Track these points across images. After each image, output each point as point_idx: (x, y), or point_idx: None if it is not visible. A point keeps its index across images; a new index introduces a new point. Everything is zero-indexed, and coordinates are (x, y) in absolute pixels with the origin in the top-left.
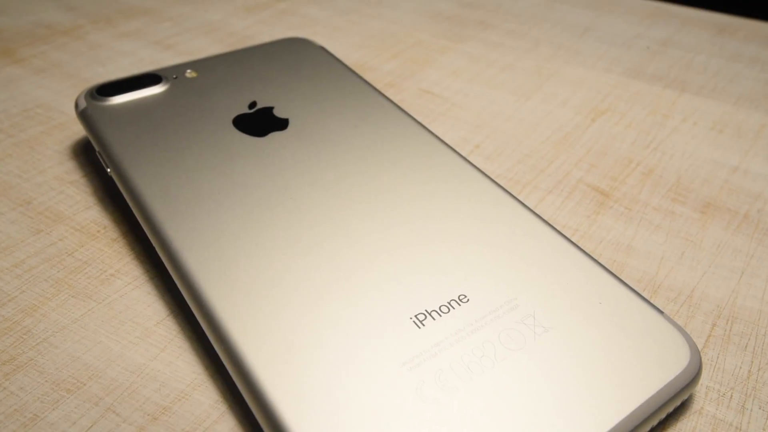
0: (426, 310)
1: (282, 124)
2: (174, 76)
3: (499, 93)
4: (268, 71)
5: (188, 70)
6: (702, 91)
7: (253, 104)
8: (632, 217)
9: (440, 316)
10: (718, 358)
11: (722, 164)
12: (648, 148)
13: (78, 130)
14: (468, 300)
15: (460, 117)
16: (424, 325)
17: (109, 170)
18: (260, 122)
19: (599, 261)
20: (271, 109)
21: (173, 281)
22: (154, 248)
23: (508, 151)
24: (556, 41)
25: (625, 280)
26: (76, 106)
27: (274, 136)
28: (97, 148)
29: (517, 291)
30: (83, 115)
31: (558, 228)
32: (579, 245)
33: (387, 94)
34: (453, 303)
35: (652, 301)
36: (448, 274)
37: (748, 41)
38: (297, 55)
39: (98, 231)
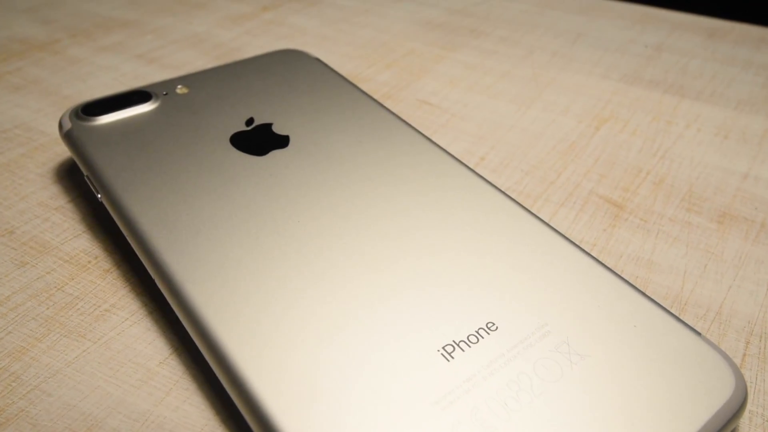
0: (454, 341)
1: (282, 142)
2: (164, 93)
3: (498, 102)
4: (264, 85)
5: (179, 86)
6: (701, 96)
7: (250, 121)
8: (649, 229)
9: (469, 347)
10: (756, 378)
11: (732, 171)
12: (655, 156)
13: (61, 152)
14: (497, 328)
15: (462, 128)
16: (453, 357)
17: (99, 196)
18: (259, 140)
19: (626, 279)
20: (269, 125)
21: (175, 315)
22: (152, 279)
23: (515, 163)
24: (550, 48)
25: (655, 299)
26: (60, 126)
27: (275, 155)
28: (85, 172)
29: (546, 316)
30: (69, 137)
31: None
32: (604, 263)
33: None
34: (481, 332)
35: (685, 321)
36: (473, 299)
37: (739, 45)
38: (292, 67)
39: (89, 262)
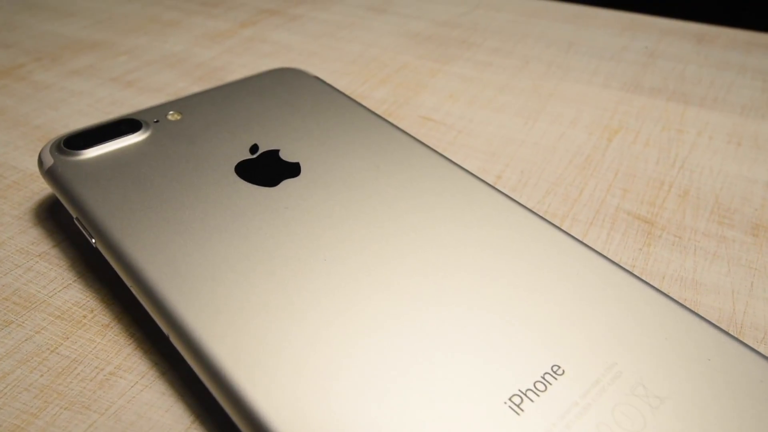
0: (520, 391)
1: (293, 170)
2: (155, 120)
3: (503, 116)
4: (264, 108)
5: (170, 112)
6: (705, 102)
7: (254, 148)
8: (685, 246)
9: (538, 396)
10: None
11: (754, 180)
12: (674, 167)
13: (39, 189)
14: (563, 372)
15: (471, 145)
16: (522, 410)
17: (93, 241)
18: (267, 168)
19: (686, 305)
20: (276, 152)
21: (194, 375)
22: (162, 334)
23: (533, 181)
24: (545, 58)
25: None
26: (41, 162)
27: (288, 185)
28: (74, 215)
29: (614, 354)
30: (52, 174)
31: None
32: (659, 288)
33: None
34: (548, 377)
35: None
36: (533, 340)
37: (729, 49)
38: (291, 87)
39: (84, 316)
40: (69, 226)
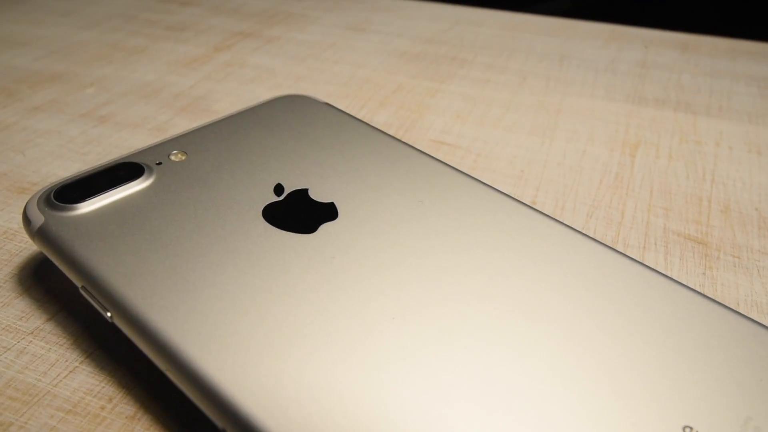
0: None
1: (328, 212)
2: (157, 162)
3: (518, 135)
4: (277, 141)
5: (173, 152)
6: (711, 111)
7: (279, 188)
8: (747, 267)
9: None
10: None
11: None
12: (705, 181)
13: (16, 250)
14: None
15: (495, 169)
16: None
17: (109, 315)
18: (299, 211)
19: None
20: (305, 191)
21: None
22: (215, 427)
23: (570, 204)
24: (541, 72)
25: None
26: (27, 220)
27: (327, 230)
28: (79, 283)
29: (744, 405)
30: (45, 235)
31: None
32: (756, 320)
33: None
34: None
35: None
36: (655, 400)
37: (715, 57)
38: (302, 115)
39: (102, 407)
40: (64, 292)
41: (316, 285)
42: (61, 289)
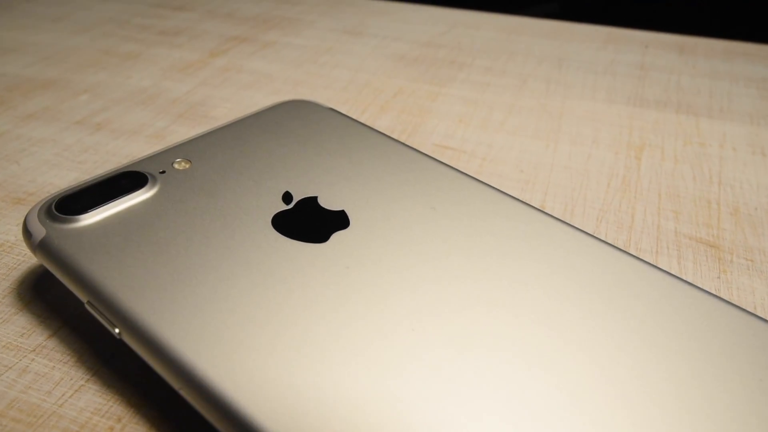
0: None
1: (340, 220)
2: (160, 171)
3: (522, 139)
4: (283, 147)
5: (176, 160)
6: (712, 113)
7: (287, 196)
8: (761, 270)
9: None
10: None
11: None
12: (713, 183)
13: (14, 263)
14: None
15: (501, 173)
16: None
17: (117, 331)
18: (309, 220)
19: None
20: (314, 199)
21: None
22: None
23: (579, 209)
24: (540, 75)
25: None
26: (28, 233)
27: (339, 239)
28: (85, 299)
29: None
30: (47, 249)
31: None
32: None
33: None
34: None
35: None
36: (681, 407)
37: (711, 58)
38: (307, 121)
39: (111, 428)
40: (66, 307)
41: (333, 297)
42: (62, 303)
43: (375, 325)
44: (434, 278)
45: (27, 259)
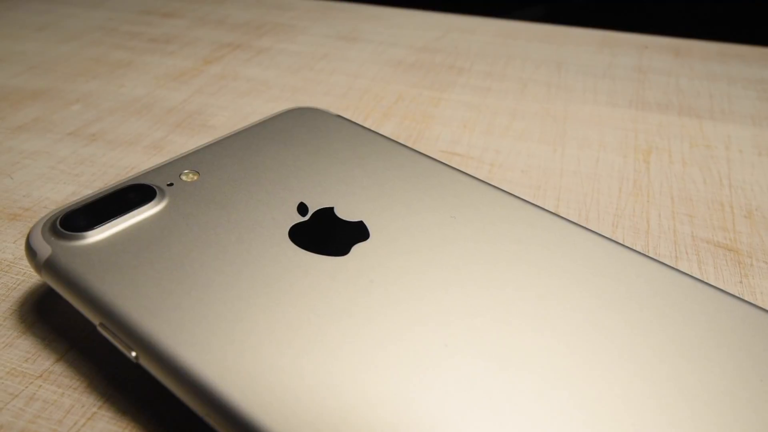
0: None
1: (359, 232)
2: (168, 183)
3: (529, 144)
4: (292, 156)
5: (184, 171)
6: (715, 115)
7: (302, 207)
8: None
9: None
10: None
11: None
12: (723, 186)
13: (13, 283)
14: None
15: (510, 179)
16: None
17: (134, 355)
18: (328, 232)
19: None
20: (330, 210)
21: None
22: None
23: (593, 214)
24: (540, 79)
25: None
26: (32, 252)
27: (360, 251)
28: (97, 321)
29: None
30: (54, 268)
31: None
32: None
33: None
34: None
35: None
36: (711, 413)
37: (708, 61)
38: (315, 129)
39: None
40: (72, 329)
41: (362, 315)
42: (68, 325)
43: (409, 342)
44: (461, 291)
45: (27, 278)
